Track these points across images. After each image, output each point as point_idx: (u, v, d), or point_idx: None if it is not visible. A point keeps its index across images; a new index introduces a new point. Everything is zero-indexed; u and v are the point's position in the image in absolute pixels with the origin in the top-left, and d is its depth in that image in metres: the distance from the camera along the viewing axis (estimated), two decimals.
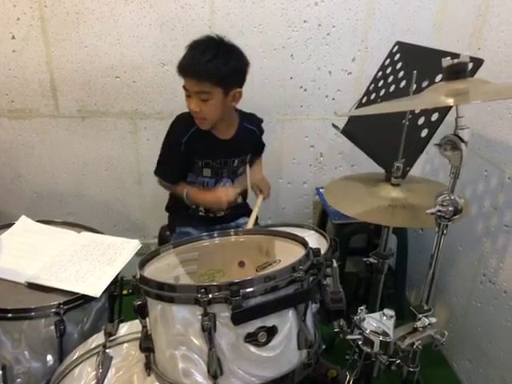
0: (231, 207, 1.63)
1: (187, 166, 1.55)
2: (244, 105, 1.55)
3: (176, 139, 1.51)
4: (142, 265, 0.95)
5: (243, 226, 1.63)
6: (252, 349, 0.81)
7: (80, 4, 1.71)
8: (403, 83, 1.39)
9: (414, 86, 1.22)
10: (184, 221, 1.63)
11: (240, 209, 1.69)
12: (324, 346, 1.61)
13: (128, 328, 1.09)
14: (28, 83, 1.82)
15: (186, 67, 1.38)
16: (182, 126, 1.51)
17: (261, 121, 1.69)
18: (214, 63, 1.34)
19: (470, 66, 1.03)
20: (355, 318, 1.02)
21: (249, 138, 1.62)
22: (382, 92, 1.49)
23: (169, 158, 1.56)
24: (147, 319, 0.88)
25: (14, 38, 1.74)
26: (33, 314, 1.10)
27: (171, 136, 1.55)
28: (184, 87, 1.42)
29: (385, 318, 1.02)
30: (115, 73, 1.84)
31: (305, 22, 1.83)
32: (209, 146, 1.50)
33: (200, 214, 1.64)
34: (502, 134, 1.45)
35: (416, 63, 1.39)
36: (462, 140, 0.87)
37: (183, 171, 1.57)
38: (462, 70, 0.89)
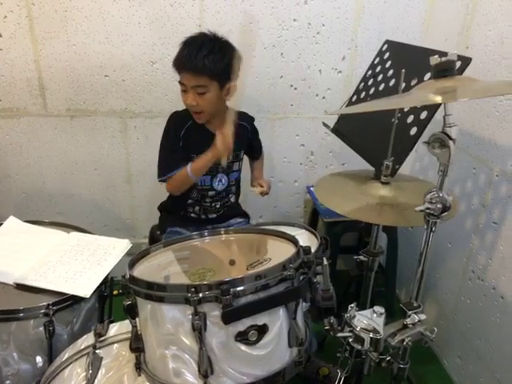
0: (225, 207, 1.64)
1: (185, 162, 1.54)
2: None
3: (175, 134, 1.53)
4: (132, 264, 0.95)
5: (235, 226, 1.65)
6: (243, 347, 0.81)
7: (68, 2, 1.70)
8: (392, 82, 1.40)
9: (403, 85, 1.23)
10: (175, 222, 1.63)
11: (232, 209, 1.69)
12: (316, 347, 1.63)
13: (118, 328, 1.09)
14: (16, 82, 1.80)
15: (184, 62, 1.40)
16: (178, 121, 1.54)
17: (252, 119, 1.69)
18: (211, 58, 1.38)
19: (458, 64, 1.04)
20: (346, 315, 1.02)
21: (241, 134, 1.62)
22: (372, 90, 1.50)
23: (171, 153, 1.55)
24: (137, 319, 0.88)
25: (0, 36, 1.72)
26: (21, 315, 1.09)
27: (169, 132, 1.55)
28: (180, 82, 1.44)
29: (375, 315, 1.02)
30: (104, 71, 1.82)
31: (294, 20, 1.83)
32: (204, 140, 1.50)
33: (192, 215, 1.64)
34: (490, 132, 1.47)
35: (405, 62, 1.40)
36: (450, 137, 0.88)
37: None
38: (449, 68, 0.89)
